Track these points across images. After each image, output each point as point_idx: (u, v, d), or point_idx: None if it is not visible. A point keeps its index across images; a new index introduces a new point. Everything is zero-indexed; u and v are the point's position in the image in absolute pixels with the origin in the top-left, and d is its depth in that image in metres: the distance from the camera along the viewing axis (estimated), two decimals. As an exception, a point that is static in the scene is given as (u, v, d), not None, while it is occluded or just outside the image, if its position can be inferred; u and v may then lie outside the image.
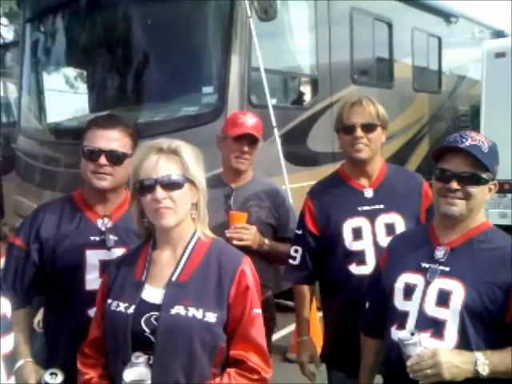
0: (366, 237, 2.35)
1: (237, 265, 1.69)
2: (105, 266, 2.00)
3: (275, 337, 4.00)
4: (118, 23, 5.24)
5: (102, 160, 2.04)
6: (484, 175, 1.78)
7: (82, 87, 5.92)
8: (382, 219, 2.36)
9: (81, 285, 2.05)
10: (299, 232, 2.52)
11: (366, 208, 2.37)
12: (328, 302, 2.55)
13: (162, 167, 1.65)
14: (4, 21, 14.42)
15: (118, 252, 2.04)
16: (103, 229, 2.09)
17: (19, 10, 6.81)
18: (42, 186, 5.48)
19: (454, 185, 1.77)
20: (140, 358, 1.55)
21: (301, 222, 2.52)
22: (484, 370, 1.66)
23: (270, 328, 2.86)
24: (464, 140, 1.77)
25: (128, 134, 2.11)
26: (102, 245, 2.08)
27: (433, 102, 8.14)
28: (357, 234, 2.36)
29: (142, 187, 1.66)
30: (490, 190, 1.83)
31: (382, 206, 2.37)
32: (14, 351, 1.46)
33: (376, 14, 6.50)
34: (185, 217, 1.70)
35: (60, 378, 1.87)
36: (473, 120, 8.64)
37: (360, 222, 2.36)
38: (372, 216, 2.36)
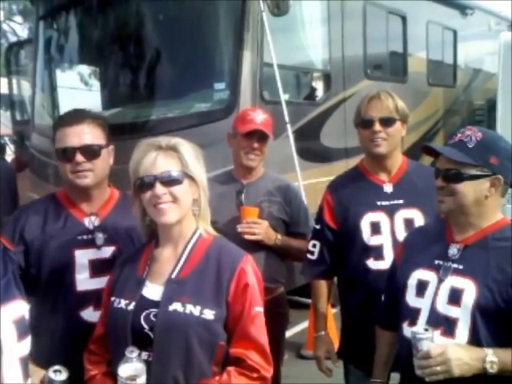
0: (385, 232, 2.34)
1: (236, 262, 1.68)
2: (95, 265, 1.97)
3: (289, 333, 3.99)
4: (130, 20, 5.26)
5: (79, 157, 1.97)
6: (471, 171, 1.73)
7: (95, 84, 5.95)
8: (401, 214, 2.34)
9: (71, 286, 1.99)
10: (317, 226, 2.51)
11: (384, 203, 2.35)
12: (345, 297, 2.53)
13: (161, 164, 1.65)
14: (18, 19, 14.56)
15: (108, 250, 2.00)
16: (91, 227, 2.03)
17: (33, 7, 6.84)
18: (55, 183, 5.50)
19: (439, 182, 1.78)
20: (133, 353, 1.54)
21: (319, 216, 2.51)
22: (492, 368, 1.62)
23: (283, 324, 2.86)
24: (454, 136, 1.78)
25: (97, 125, 2.03)
26: (91, 244, 2.01)
27: (448, 96, 8.05)
28: (375, 228, 2.34)
29: (142, 184, 1.66)
30: (492, 184, 1.75)
31: (401, 201, 2.35)
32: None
33: (390, 7, 6.43)
34: (186, 213, 1.70)
35: (64, 374, 1.83)
36: (489, 114, 8.53)
37: (379, 216, 2.35)
38: (391, 211, 2.34)
